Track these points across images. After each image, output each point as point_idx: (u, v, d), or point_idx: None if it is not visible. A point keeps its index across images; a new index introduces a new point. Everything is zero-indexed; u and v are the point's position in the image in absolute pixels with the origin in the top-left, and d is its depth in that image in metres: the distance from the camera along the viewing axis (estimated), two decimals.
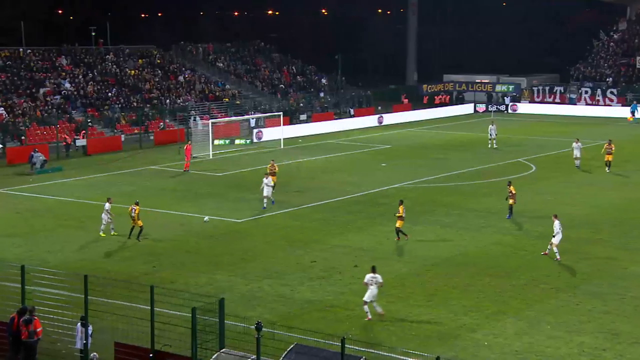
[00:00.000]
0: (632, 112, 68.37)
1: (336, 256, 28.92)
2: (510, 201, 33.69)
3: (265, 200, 36.06)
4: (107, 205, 31.79)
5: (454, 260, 28.31)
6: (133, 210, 30.75)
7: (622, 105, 73.50)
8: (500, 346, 20.78)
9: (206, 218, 33.62)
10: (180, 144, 56.51)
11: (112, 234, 31.75)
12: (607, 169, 44.17)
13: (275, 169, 39.46)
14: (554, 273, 26.77)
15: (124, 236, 31.21)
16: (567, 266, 27.52)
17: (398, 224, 30.35)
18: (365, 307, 22.55)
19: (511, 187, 33.85)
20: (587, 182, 42.23)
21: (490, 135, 53.93)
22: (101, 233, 31.78)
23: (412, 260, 28.40)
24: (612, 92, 75.32)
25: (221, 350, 17.27)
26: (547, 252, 28.25)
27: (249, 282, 26.11)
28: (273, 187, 37.22)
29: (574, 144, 45.64)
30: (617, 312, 23.03)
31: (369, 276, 22.69)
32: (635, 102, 70.52)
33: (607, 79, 77.91)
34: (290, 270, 27.32)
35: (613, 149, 44.37)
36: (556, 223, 27.91)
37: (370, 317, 22.52)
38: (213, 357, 17.04)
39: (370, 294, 22.52)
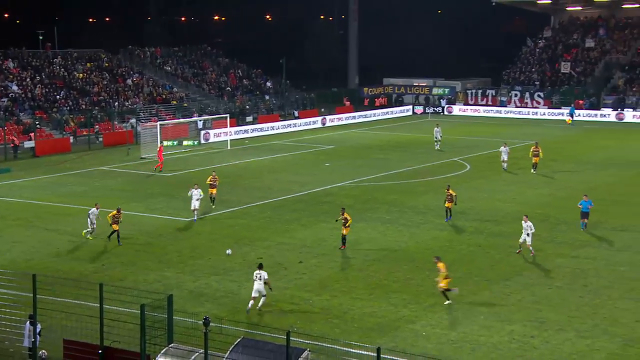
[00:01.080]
0: (571, 115, 69.37)
1: (281, 253, 28.91)
2: (449, 204, 33.07)
3: (195, 212, 33.47)
4: (94, 210, 30.61)
5: (394, 255, 28.56)
6: (116, 215, 29.77)
7: (549, 108, 75.22)
8: (437, 336, 21.05)
9: (229, 251, 28.88)
10: (129, 146, 55.79)
11: (88, 237, 30.39)
12: (532, 170, 44.31)
13: (216, 180, 36.10)
14: (487, 266, 27.23)
15: (97, 240, 30.38)
16: (498, 259, 28.02)
17: (345, 231, 29.19)
18: (251, 302, 22.66)
19: (450, 190, 33.33)
20: (517, 180, 43.05)
21: (436, 137, 53.85)
22: (89, 236, 30.45)
23: (355, 255, 28.55)
24: (539, 95, 76.99)
25: (170, 345, 17.09)
26: (532, 252, 27.79)
27: (197, 279, 25.89)
28: (213, 200, 35.45)
29: (502, 148, 45.63)
30: (545, 301, 23.57)
31: (255, 272, 22.96)
32: (572, 105, 71.70)
33: (535, 83, 79.61)
34: (237, 267, 27.20)
35: (540, 151, 44.61)
36: (529, 224, 27.62)
37: (249, 307, 22.65)
38: (161, 351, 16.85)
39: (255, 289, 22.69)
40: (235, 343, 16.50)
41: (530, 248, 27.70)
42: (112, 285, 22.05)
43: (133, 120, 60.85)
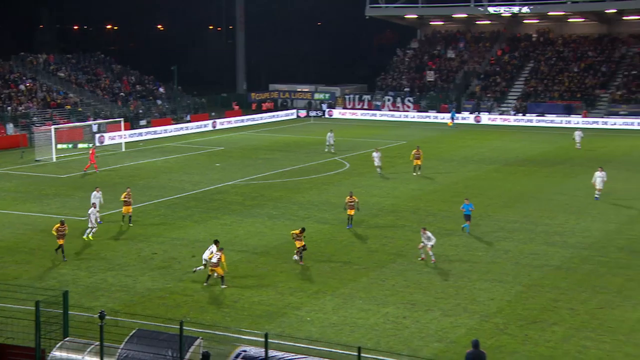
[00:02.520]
0: (452, 118, 71.25)
1: (175, 248, 28.39)
2: (352, 211, 31.34)
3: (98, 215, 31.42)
4: (94, 210, 29.09)
5: (281, 247, 28.62)
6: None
7: (418, 111, 77.51)
8: (320, 320, 21.28)
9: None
10: (23, 149, 53.09)
11: (87, 237, 28.93)
12: (414, 172, 43.73)
13: (130, 197, 32.02)
14: (365, 255, 27.77)
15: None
16: (375, 249, 28.63)
17: (298, 244, 26.76)
18: (202, 267, 24.72)
19: (354, 197, 31.53)
20: (392, 176, 44.10)
21: (328, 141, 53.12)
22: (90, 236, 28.94)
23: (244, 248, 28.42)
24: (409, 100, 79.21)
25: (65, 339, 16.40)
26: (423, 257, 26.68)
27: (92, 275, 25.00)
28: (130, 218, 31.65)
29: (374, 154, 44.33)
30: (415, 285, 24.29)
31: (210, 249, 24.75)
32: (454, 109, 73.87)
33: (405, 89, 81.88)
34: (132, 263, 26.48)
35: (421, 154, 44.31)
36: (428, 234, 26.44)
37: (196, 269, 24.75)
38: (57, 346, 16.15)
39: (204, 255, 24.65)
40: (131, 334, 16.05)
41: (431, 253, 26.42)
42: (6, 284, 20.93)
43: (10, 124, 58.23)
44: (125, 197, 31.93)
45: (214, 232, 30.69)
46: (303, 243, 26.62)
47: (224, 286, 23.83)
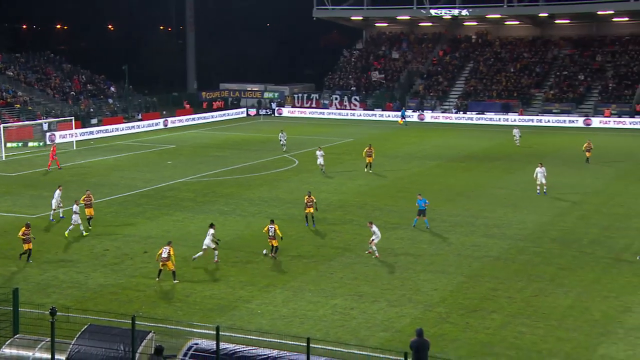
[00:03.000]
0: (402, 117, 71.66)
1: (128, 244, 27.94)
2: (310, 210, 30.61)
3: (52, 213, 31.33)
4: (75, 207, 28.62)
5: (232, 242, 28.47)
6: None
7: (364, 110, 78.00)
8: (270, 313, 21.26)
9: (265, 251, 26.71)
10: None
11: (84, 233, 29.00)
12: (366, 169, 43.63)
13: (91, 199, 30.72)
14: (314, 249, 27.84)
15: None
16: (323, 243, 28.72)
17: (274, 242, 26.48)
18: (199, 253, 25.59)
19: (312, 197, 30.75)
20: (339, 172, 44.27)
21: (281, 140, 52.58)
22: (72, 231, 28.61)
23: (196, 244, 28.05)
24: (355, 99, 79.66)
25: (15, 336, 15.97)
26: (370, 251, 26.59)
27: (44, 272, 24.42)
28: (89, 221, 30.27)
29: (317, 152, 43.41)
30: (362, 278, 24.46)
31: (208, 232, 25.63)
32: (404, 107, 74.23)
33: (352, 88, 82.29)
34: (84, 259, 25.95)
35: (373, 151, 44.18)
36: (374, 228, 26.37)
37: (196, 256, 25.55)
38: (6, 343, 15.71)
39: (204, 243, 25.57)
40: (82, 330, 15.74)
41: (374, 248, 26.22)
42: None
43: None
44: (84, 200, 30.64)
45: (166, 228, 30.33)
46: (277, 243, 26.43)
47: (175, 281, 23.59)
